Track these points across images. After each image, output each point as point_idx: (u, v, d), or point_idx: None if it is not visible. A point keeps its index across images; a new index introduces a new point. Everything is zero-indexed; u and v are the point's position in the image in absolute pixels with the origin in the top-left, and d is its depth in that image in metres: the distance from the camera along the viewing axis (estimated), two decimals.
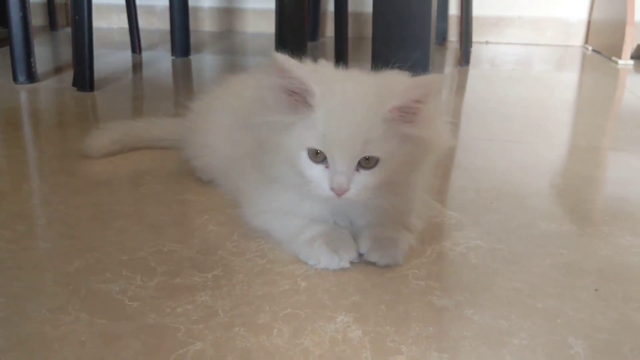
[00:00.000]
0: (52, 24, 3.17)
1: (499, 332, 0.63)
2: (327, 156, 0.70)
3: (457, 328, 0.63)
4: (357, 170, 0.70)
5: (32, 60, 1.82)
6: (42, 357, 0.58)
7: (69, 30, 3.16)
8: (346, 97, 0.70)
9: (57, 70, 2.07)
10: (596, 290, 0.72)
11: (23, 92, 1.74)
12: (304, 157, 0.71)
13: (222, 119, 0.95)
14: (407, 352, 0.59)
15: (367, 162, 0.70)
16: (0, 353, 0.58)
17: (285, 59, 0.69)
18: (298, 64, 0.71)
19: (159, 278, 0.72)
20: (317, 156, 0.71)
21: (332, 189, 0.70)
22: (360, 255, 0.76)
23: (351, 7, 2.41)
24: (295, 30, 1.73)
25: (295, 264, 0.76)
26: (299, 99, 0.70)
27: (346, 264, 0.75)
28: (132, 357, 0.58)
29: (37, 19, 3.09)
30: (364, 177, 0.71)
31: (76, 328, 0.62)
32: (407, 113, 0.69)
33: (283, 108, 0.71)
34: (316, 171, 0.71)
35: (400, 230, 0.79)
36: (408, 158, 0.72)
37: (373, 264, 0.75)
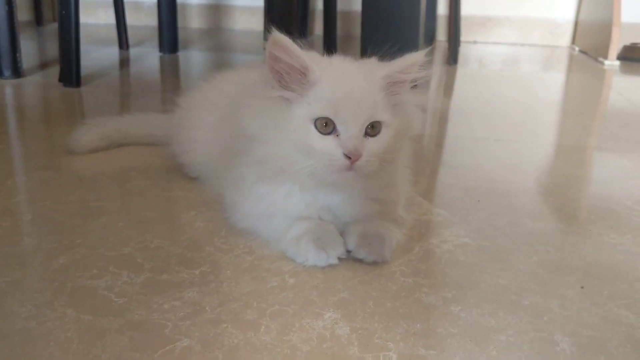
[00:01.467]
0: (38, 19, 3.14)
1: (485, 329, 0.63)
2: (338, 123, 0.71)
3: (444, 325, 0.64)
4: (365, 137, 0.73)
5: (17, 55, 1.80)
6: (28, 352, 0.57)
7: (55, 25, 3.14)
8: (346, 68, 0.75)
9: (43, 65, 2.05)
10: (582, 287, 0.72)
11: (8, 87, 1.72)
12: (312, 130, 0.72)
13: (209, 116, 0.94)
14: (394, 348, 0.59)
15: (372, 130, 0.73)
16: None
17: (284, 38, 0.71)
18: (294, 43, 0.72)
19: (146, 274, 0.72)
20: (326, 127, 0.72)
21: (347, 154, 0.70)
22: (348, 251, 0.76)
23: (340, 5, 2.41)
24: (284, 28, 1.73)
25: (283, 261, 0.76)
26: (298, 77, 0.72)
27: (334, 261, 0.75)
28: (119, 353, 0.57)
29: (23, 14, 3.07)
30: (372, 144, 0.73)
31: (62, 324, 0.61)
32: (395, 84, 0.75)
33: (283, 84, 0.73)
34: (327, 141, 0.72)
35: (387, 226, 0.79)
36: (399, 129, 0.75)
37: (360, 260, 0.75)
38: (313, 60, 0.73)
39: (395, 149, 0.76)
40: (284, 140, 0.73)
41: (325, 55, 0.79)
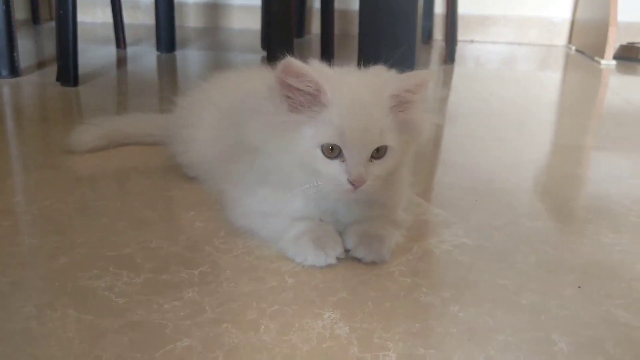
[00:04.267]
0: (35, 18, 3.14)
1: (484, 329, 0.64)
2: (344, 150, 0.71)
3: (443, 324, 0.64)
4: (370, 161, 0.73)
5: (15, 54, 1.80)
6: (29, 353, 0.57)
7: (52, 24, 3.14)
8: (355, 92, 0.72)
9: (40, 64, 2.05)
10: (580, 287, 0.73)
11: (6, 86, 1.72)
12: (319, 154, 0.72)
13: (209, 116, 0.95)
14: (394, 348, 0.60)
15: (377, 153, 0.73)
16: None
17: (296, 62, 0.70)
18: (306, 65, 0.72)
19: (146, 274, 0.72)
20: (332, 152, 0.72)
21: (352, 180, 0.71)
22: (347, 251, 0.77)
23: (337, 4, 2.41)
24: (282, 27, 1.73)
25: (282, 261, 0.76)
26: (309, 98, 0.71)
27: (333, 261, 0.75)
28: (120, 353, 0.58)
29: (20, 13, 3.06)
30: (377, 167, 0.73)
31: (63, 324, 0.62)
32: (402, 103, 0.73)
33: (293, 108, 0.72)
34: (332, 166, 0.72)
35: (387, 226, 0.80)
36: (406, 146, 0.76)
37: (359, 260, 0.76)
38: (325, 79, 0.71)
39: (401, 164, 0.77)
40: (290, 160, 0.74)
41: (333, 67, 0.78)
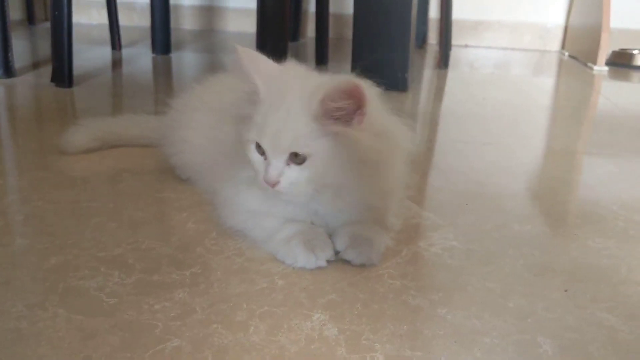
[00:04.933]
0: (30, 18, 3.13)
1: (471, 331, 0.64)
2: (263, 148, 0.73)
3: (430, 327, 0.65)
4: (289, 164, 0.73)
5: (9, 54, 1.80)
6: (19, 352, 0.58)
7: (47, 24, 3.14)
8: (284, 94, 0.73)
9: (35, 65, 2.05)
10: (566, 290, 0.73)
11: (0, 87, 1.72)
12: (252, 148, 0.75)
13: (201, 118, 0.95)
14: (381, 349, 0.60)
15: (296, 158, 0.73)
16: None
17: (244, 53, 0.74)
18: (255, 59, 0.76)
19: (137, 275, 0.72)
20: (259, 148, 0.74)
21: (264, 179, 0.73)
22: (337, 252, 0.77)
23: (332, 8, 2.42)
24: (277, 31, 1.74)
25: (272, 263, 0.77)
26: (252, 94, 0.75)
27: (323, 263, 0.76)
28: (110, 353, 0.58)
29: (15, 13, 3.06)
30: (294, 172, 0.73)
31: (53, 324, 0.62)
32: (339, 113, 0.71)
33: (243, 101, 0.77)
34: (258, 162, 0.75)
35: (377, 230, 0.80)
36: (343, 159, 0.73)
37: (349, 262, 0.76)
38: (264, 79, 0.74)
39: (342, 176, 0.74)
40: (242, 152, 0.77)
41: (293, 67, 0.79)
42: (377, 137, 0.73)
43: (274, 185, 0.73)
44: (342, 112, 0.71)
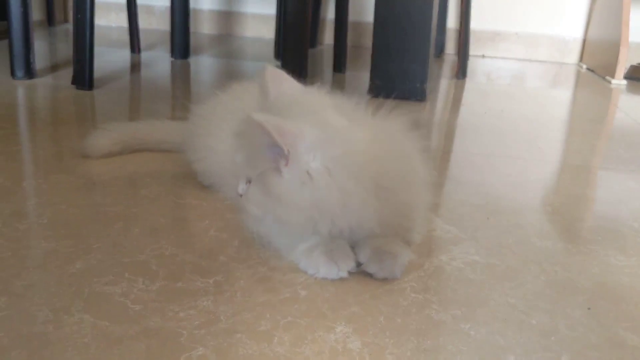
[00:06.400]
0: (50, 19, 3.16)
1: (494, 348, 0.64)
2: None
3: (454, 342, 0.65)
4: (247, 183, 0.76)
5: (31, 56, 1.82)
6: (45, 357, 0.58)
7: (67, 25, 3.17)
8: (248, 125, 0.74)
9: (56, 66, 2.07)
10: (589, 308, 0.73)
11: (21, 88, 1.74)
12: None
13: (226, 126, 0.96)
14: None
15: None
16: (3, 351, 0.59)
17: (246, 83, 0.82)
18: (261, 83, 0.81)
19: (161, 282, 0.73)
20: None
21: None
22: (359, 264, 0.77)
23: (351, 16, 2.42)
24: (297, 38, 1.75)
25: (295, 273, 0.77)
26: None
27: (344, 274, 0.76)
28: None
29: (35, 14, 3.09)
30: (249, 193, 0.76)
31: (79, 329, 0.63)
32: (276, 154, 0.72)
33: None
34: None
35: (400, 244, 0.80)
36: (276, 192, 0.74)
37: (371, 275, 0.77)
38: (264, 105, 0.79)
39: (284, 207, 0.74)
40: None
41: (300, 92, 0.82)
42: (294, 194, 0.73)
43: (240, 197, 0.78)
44: (280, 157, 0.72)
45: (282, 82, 0.79)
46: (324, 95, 0.80)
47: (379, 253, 0.77)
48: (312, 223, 0.75)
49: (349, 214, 0.74)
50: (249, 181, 0.76)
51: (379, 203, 0.75)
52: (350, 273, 0.76)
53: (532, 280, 0.79)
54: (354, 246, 0.79)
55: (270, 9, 2.99)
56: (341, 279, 0.76)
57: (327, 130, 0.73)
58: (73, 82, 1.76)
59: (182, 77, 2.18)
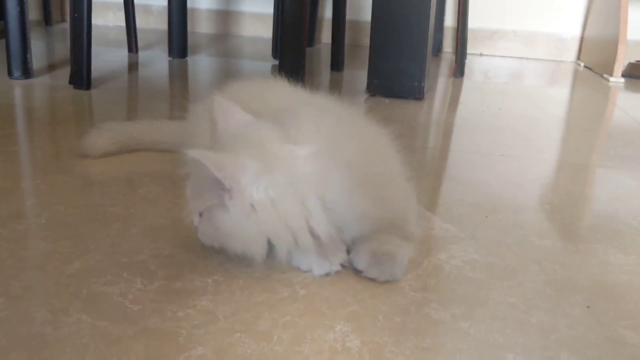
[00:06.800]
0: (47, 19, 3.15)
1: (494, 346, 0.64)
2: None
3: (453, 341, 0.65)
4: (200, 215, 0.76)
5: (28, 55, 1.81)
6: (44, 358, 0.58)
7: (63, 25, 3.16)
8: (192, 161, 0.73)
9: (52, 66, 2.07)
10: (588, 307, 0.73)
11: (18, 87, 1.73)
12: None
13: None
14: None
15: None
16: (2, 352, 0.59)
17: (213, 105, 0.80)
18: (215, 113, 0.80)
19: (160, 282, 0.73)
20: None
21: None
22: (359, 271, 0.77)
23: (348, 14, 2.42)
24: (295, 36, 1.75)
25: (293, 272, 0.77)
26: None
27: (337, 267, 0.76)
28: None
29: (32, 13, 3.08)
30: (200, 224, 0.77)
31: (78, 330, 0.63)
32: (223, 186, 0.71)
33: None
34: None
35: (398, 242, 0.79)
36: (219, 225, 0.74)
37: (373, 280, 0.76)
38: (221, 123, 0.78)
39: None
40: None
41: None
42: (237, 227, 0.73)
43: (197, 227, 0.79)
44: (224, 190, 0.71)
45: (229, 114, 0.78)
46: (271, 125, 0.77)
47: (377, 256, 0.76)
48: (268, 249, 0.74)
49: (314, 229, 0.74)
50: (200, 214, 0.76)
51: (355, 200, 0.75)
52: (343, 266, 0.77)
53: (531, 278, 0.79)
54: (350, 249, 0.79)
55: (268, 8, 2.99)
56: (340, 278, 0.76)
57: (269, 160, 0.72)
58: (70, 82, 1.75)
59: (179, 77, 2.18)
